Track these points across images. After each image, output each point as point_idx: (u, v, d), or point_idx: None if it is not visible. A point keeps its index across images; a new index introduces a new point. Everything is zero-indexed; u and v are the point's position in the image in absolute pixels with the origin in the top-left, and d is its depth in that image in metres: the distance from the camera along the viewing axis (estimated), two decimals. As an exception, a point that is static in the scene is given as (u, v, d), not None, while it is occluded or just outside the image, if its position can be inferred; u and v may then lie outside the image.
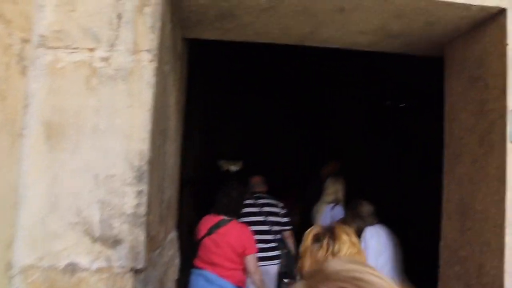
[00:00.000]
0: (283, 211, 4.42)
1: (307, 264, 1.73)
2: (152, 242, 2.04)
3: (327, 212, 4.55)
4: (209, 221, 3.53)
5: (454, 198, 2.56)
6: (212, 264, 3.41)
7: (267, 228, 4.18)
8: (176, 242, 2.90)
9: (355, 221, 3.47)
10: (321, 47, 2.98)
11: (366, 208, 3.52)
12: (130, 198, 1.84)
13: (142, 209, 1.84)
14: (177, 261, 2.86)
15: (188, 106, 3.15)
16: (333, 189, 4.75)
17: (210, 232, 3.42)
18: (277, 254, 4.19)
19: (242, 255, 3.45)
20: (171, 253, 2.67)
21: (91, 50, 1.88)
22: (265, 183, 4.71)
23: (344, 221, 3.59)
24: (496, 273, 2.09)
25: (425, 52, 2.92)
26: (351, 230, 1.83)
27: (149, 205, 1.91)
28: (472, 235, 2.36)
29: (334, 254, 1.67)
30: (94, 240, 1.81)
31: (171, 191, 2.69)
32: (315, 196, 4.86)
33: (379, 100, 7.33)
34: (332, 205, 4.67)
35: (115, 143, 1.85)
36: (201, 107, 10.23)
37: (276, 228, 4.26)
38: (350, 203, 3.75)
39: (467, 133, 2.46)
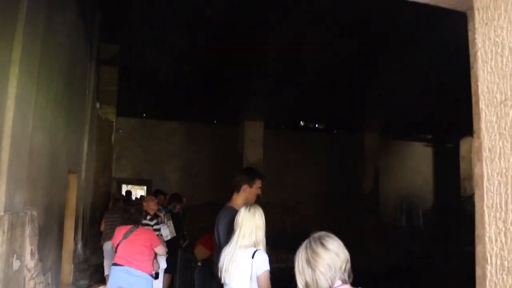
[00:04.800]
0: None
1: None
2: None
3: (247, 263, 2.89)
4: (121, 230, 4.70)
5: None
6: (131, 260, 4.55)
7: None
8: None
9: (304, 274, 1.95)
10: None
11: (329, 256, 1.92)
12: None
13: None
14: None
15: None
16: (251, 226, 2.98)
17: (125, 236, 4.61)
18: None
19: (151, 248, 4.72)
20: None
21: None
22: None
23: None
24: None
25: None
26: None
27: None
28: None
29: None
30: None
31: None
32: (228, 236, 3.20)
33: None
34: (252, 250, 2.94)
35: None
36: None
37: None
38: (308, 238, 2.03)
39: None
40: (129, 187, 20.74)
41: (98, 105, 9.56)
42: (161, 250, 4.92)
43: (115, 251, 4.69)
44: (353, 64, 8.87)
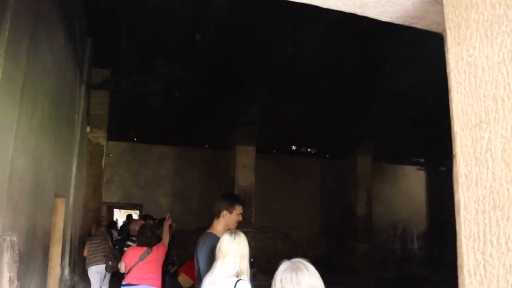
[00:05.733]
0: None
1: None
2: None
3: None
4: (136, 251, 5.04)
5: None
6: (146, 278, 4.87)
7: None
8: None
9: None
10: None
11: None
12: None
13: None
14: None
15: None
16: (235, 254, 2.74)
17: (142, 258, 4.90)
18: None
19: (163, 258, 5.15)
20: None
21: None
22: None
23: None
24: None
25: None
26: None
27: None
28: None
29: None
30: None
31: None
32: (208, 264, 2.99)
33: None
34: (234, 280, 2.69)
35: None
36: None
37: None
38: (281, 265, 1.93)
39: None
40: (122, 212, 20.51)
41: (88, 129, 9.51)
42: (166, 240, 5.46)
43: (128, 272, 4.93)
44: (345, 88, 8.90)
